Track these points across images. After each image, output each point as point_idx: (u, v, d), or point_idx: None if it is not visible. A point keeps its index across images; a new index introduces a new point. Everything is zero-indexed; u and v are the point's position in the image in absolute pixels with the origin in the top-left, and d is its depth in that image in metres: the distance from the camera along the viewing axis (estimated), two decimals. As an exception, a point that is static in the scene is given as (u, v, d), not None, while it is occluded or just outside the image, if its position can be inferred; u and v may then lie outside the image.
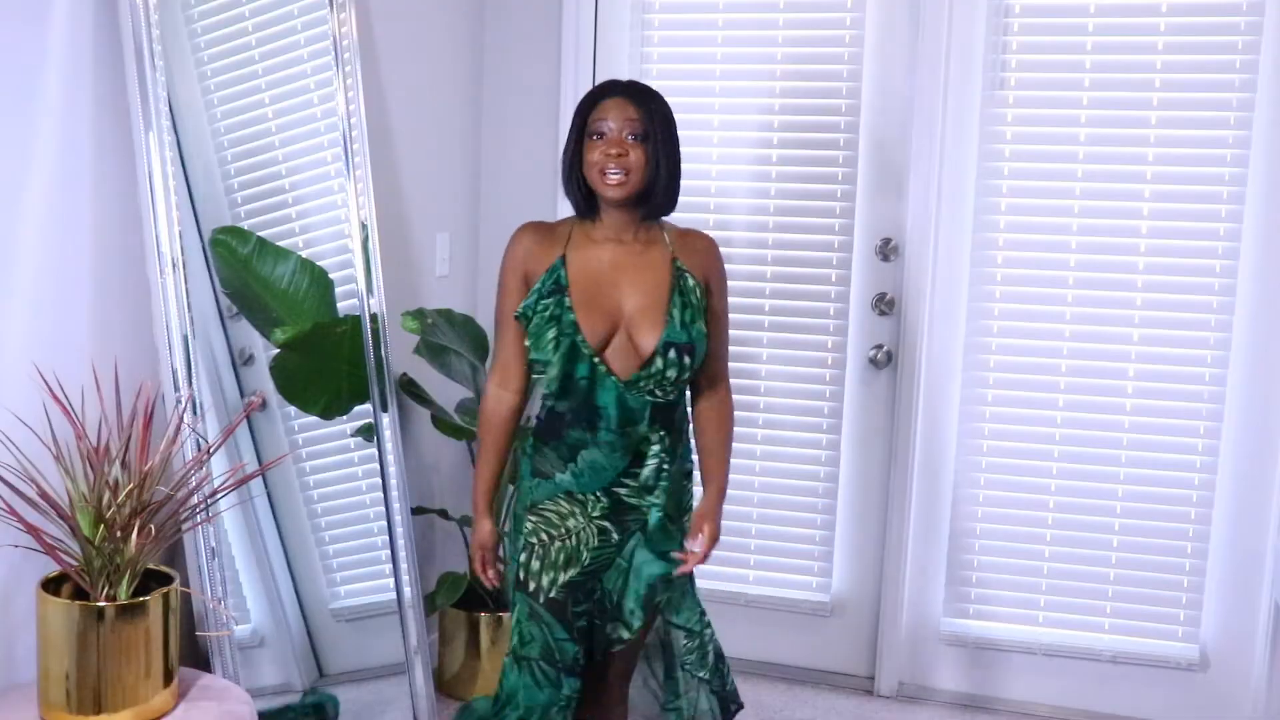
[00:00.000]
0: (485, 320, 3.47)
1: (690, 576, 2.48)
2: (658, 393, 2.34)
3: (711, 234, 2.49)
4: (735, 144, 3.43)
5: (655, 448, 2.37)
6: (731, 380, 3.46)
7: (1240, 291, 3.11)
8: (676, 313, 2.33)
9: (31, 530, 2.02)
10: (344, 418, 2.94)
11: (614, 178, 2.28)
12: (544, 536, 2.36)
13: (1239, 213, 3.09)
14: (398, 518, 2.91)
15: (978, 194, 3.25)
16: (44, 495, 2.07)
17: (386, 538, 2.92)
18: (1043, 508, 3.30)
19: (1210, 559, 3.21)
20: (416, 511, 3.12)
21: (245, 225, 2.78)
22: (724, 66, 3.41)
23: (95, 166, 2.34)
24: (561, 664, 2.37)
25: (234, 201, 2.80)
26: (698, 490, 2.52)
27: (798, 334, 3.44)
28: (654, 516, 2.39)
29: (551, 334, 2.30)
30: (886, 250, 3.33)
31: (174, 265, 2.41)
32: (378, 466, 2.92)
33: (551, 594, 2.35)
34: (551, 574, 2.35)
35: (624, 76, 3.42)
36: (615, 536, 2.38)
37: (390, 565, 2.92)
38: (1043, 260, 3.25)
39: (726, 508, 3.57)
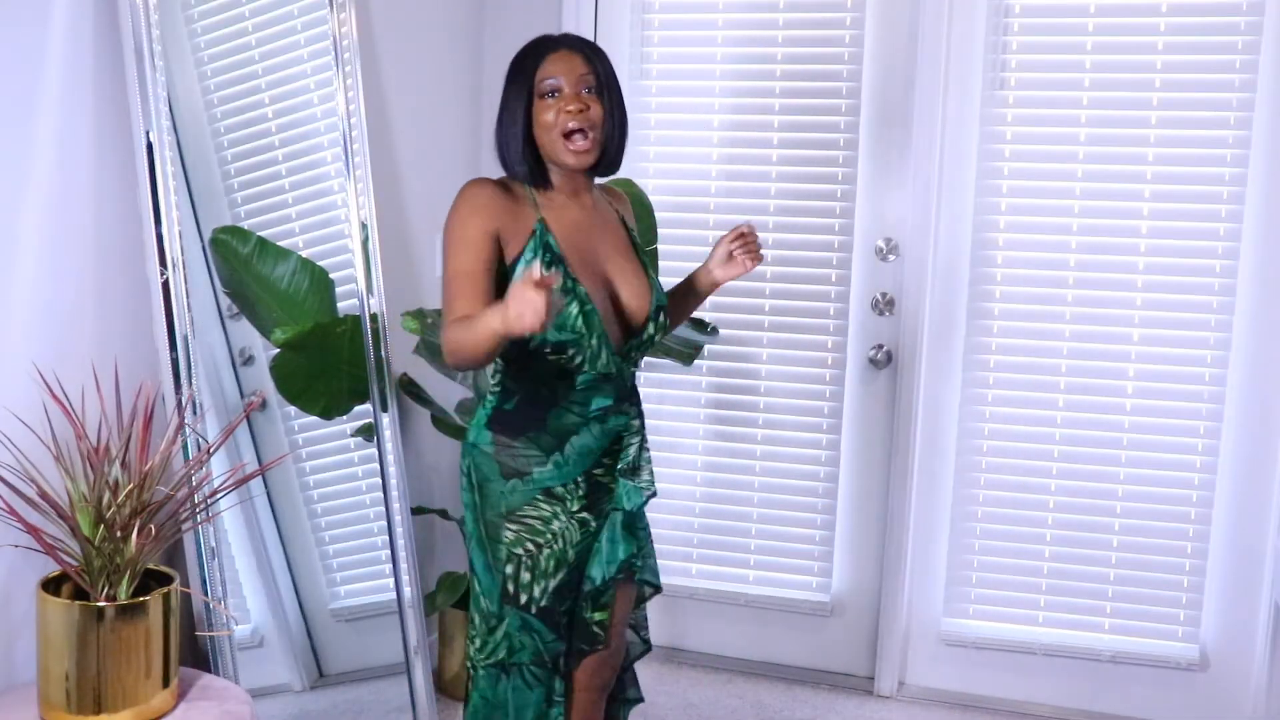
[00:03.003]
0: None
1: (648, 532, 2.37)
2: (639, 360, 2.27)
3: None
4: (735, 144, 3.43)
5: (635, 423, 2.29)
6: (731, 380, 3.49)
7: (1240, 291, 3.11)
8: (653, 273, 2.26)
9: (31, 530, 2.02)
10: (344, 418, 2.94)
11: (580, 143, 2.12)
12: (530, 546, 2.21)
13: (1239, 213, 3.09)
14: (398, 518, 2.91)
15: (978, 194, 3.25)
16: (44, 495, 2.07)
17: (386, 538, 2.92)
18: (1043, 508, 3.30)
19: (1210, 559, 3.20)
20: (416, 511, 3.12)
21: (245, 225, 2.78)
22: (724, 66, 3.41)
23: (95, 166, 2.34)
24: (550, 663, 2.30)
25: (234, 201, 2.80)
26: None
27: (798, 334, 3.43)
28: (630, 497, 2.29)
29: (575, 309, 2.12)
30: (886, 250, 3.33)
31: (174, 265, 2.41)
32: (378, 466, 2.92)
33: (543, 603, 2.24)
34: (543, 583, 2.23)
35: (624, 75, 3.44)
36: (593, 525, 2.27)
37: (390, 565, 2.92)
38: (1043, 260, 3.24)
39: (725, 507, 3.59)
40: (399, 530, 2.91)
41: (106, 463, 2.12)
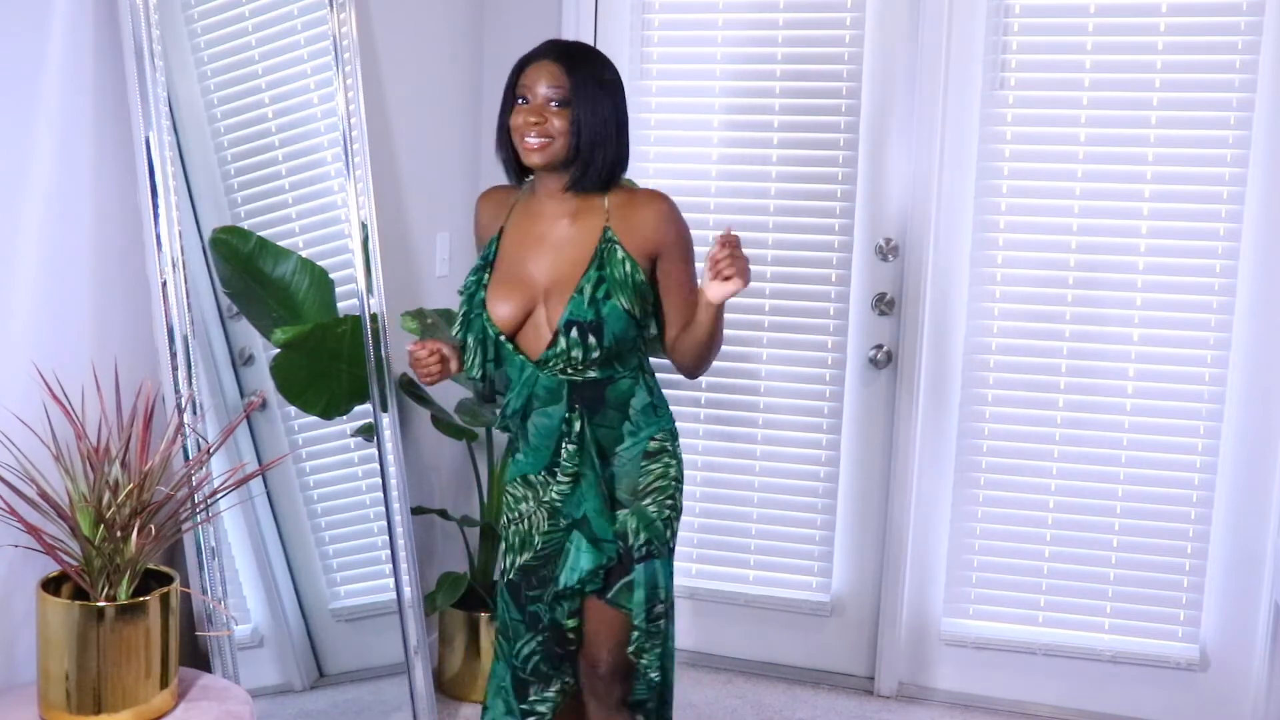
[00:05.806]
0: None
1: (652, 573, 2.32)
2: (569, 371, 2.26)
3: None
4: (735, 144, 3.43)
5: (575, 429, 2.27)
6: (731, 380, 3.49)
7: (1240, 291, 3.11)
8: (588, 288, 2.23)
9: (31, 530, 2.02)
10: (344, 418, 2.94)
11: (532, 142, 2.23)
12: (505, 519, 2.40)
13: (1239, 213, 3.09)
14: (398, 518, 2.91)
15: (978, 194, 3.25)
16: (44, 495, 2.07)
17: (386, 538, 2.92)
18: (1043, 508, 3.30)
19: (1210, 559, 3.20)
20: (416, 511, 3.12)
21: (245, 225, 2.78)
22: (724, 66, 3.41)
23: (95, 166, 2.34)
24: (515, 637, 2.40)
25: (234, 201, 2.80)
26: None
27: (798, 334, 3.43)
28: (589, 504, 2.30)
29: (463, 311, 2.33)
30: (886, 250, 3.33)
31: (174, 265, 2.41)
32: (378, 466, 2.92)
33: (510, 576, 2.39)
34: (510, 556, 2.39)
35: (624, 75, 3.43)
36: (564, 521, 2.33)
37: (390, 565, 2.92)
38: (1043, 260, 3.25)
39: (725, 507, 3.59)
40: (399, 530, 2.91)
41: (106, 463, 2.12)
